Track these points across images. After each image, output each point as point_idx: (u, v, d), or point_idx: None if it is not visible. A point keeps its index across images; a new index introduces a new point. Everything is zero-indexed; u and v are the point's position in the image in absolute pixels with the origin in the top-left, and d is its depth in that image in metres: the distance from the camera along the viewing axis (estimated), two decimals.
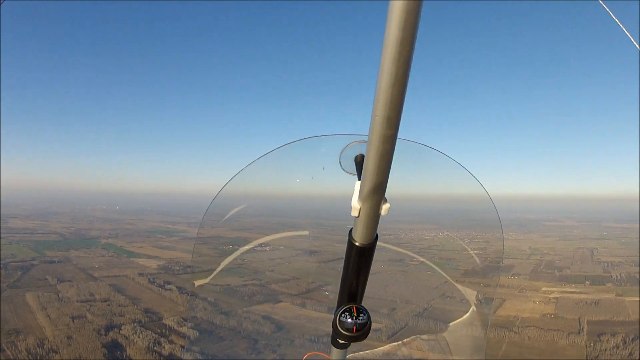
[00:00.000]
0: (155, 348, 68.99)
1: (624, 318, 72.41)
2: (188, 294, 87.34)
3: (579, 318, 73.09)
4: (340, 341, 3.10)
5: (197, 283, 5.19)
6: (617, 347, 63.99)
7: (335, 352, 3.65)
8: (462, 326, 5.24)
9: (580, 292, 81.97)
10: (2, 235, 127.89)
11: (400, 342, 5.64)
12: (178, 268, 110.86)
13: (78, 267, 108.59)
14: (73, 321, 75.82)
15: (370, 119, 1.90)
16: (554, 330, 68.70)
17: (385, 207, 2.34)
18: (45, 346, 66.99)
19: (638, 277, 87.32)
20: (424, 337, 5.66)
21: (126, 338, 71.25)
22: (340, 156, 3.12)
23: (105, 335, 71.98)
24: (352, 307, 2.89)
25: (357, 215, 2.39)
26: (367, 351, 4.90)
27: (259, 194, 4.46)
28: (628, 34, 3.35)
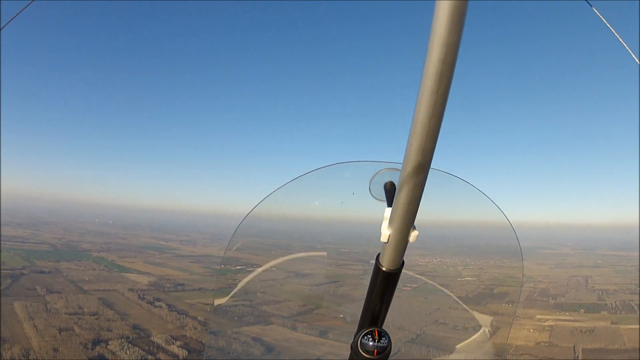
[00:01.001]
0: None
1: (620, 346, 71.77)
2: (178, 312, 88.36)
3: (574, 346, 72.80)
4: None
5: (217, 302, 5.26)
6: None
7: None
8: (475, 354, 5.17)
9: (575, 320, 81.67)
10: None
11: None
12: (169, 285, 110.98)
13: (68, 278, 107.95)
14: (60, 333, 74.94)
15: (406, 148, 1.99)
16: (549, 358, 68.63)
17: (413, 235, 2.41)
18: (30, 357, 66.27)
19: (637, 304, 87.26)
20: None
21: (113, 353, 70.47)
22: (370, 182, 3.19)
23: (92, 349, 71.17)
24: (374, 330, 2.94)
25: (386, 241, 2.46)
26: None
27: (288, 217, 4.46)
28: (623, 41, 3.63)
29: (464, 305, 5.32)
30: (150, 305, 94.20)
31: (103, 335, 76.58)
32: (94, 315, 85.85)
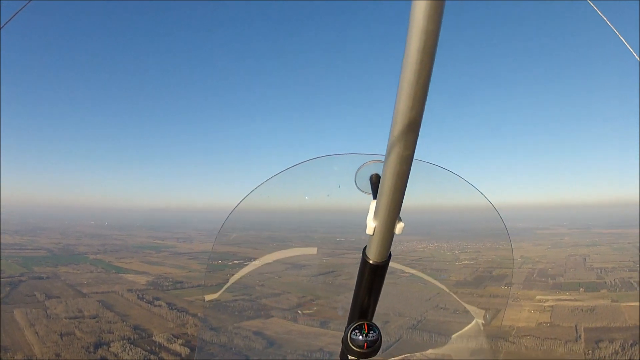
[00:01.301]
0: None
1: (621, 324, 71.85)
2: (178, 310, 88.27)
3: (576, 325, 72.70)
4: (350, 357, 3.12)
5: (208, 297, 5.28)
6: (616, 353, 63.45)
7: None
8: (469, 340, 5.22)
9: (575, 300, 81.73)
10: None
11: (402, 356, 5.40)
12: (167, 284, 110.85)
13: (66, 283, 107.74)
14: (62, 338, 74.61)
15: (388, 139, 1.99)
16: (551, 338, 68.15)
17: (399, 226, 2.40)
18: None
19: (636, 281, 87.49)
20: (429, 352, 5.53)
21: (115, 355, 70.35)
22: (355, 175, 3.20)
23: (94, 352, 70.99)
24: (364, 323, 2.97)
25: (371, 233, 2.45)
26: None
27: (275, 210, 4.50)
28: (622, 38, 3.57)
29: (453, 295, 5.39)
30: (149, 305, 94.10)
31: (104, 337, 76.39)
32: (94, 318, 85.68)
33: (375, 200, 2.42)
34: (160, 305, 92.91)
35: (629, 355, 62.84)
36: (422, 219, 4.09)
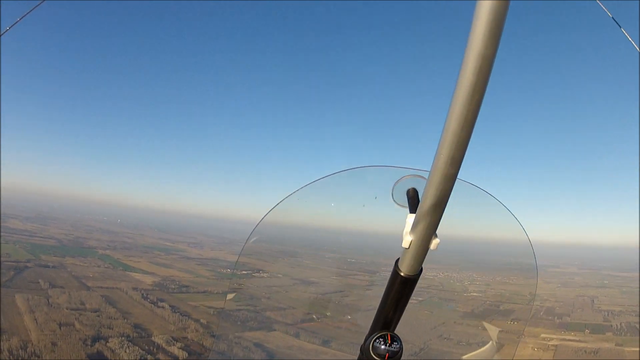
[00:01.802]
0: None
1: None
2: (180, 314, 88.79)
3: None
4: None
5: (229, 297, 5.30)
6: None
7: None
8: None
9: (580, 340, 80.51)
10: None
11: None
12: (173, 287, 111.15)
13: (72, 274, 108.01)
14: (60, 328, 74.80)
15: (435, 156, 2.00)
16: None
17: (435, 242, 2.42)
18: (28, 349, 65.87)
19: (638, 326, 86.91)
20: None
21: (112, 351, 70.08)
22: (392, 188, 3.24)
23: (91, 346, 70.80)
24: (387, 334, 2.93)
25: (407, 246, 2.46)
26: None
27: (307, 219, 4.49)
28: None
29: (471, 321, 5.55)
30: (153, 305, 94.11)
31: (103, 332, 76.33)
32: (96, 312, 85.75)
33: (412, 214, 2.48)
34: (163, 307, 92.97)
35: None
36: (453, 240, 3.69)
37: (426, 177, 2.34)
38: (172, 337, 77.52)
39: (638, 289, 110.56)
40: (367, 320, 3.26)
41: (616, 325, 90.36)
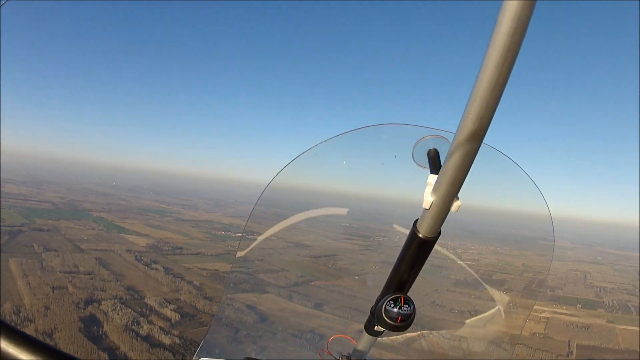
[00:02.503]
0: (133, 327, 68.01)
1: (614, 346, 71.66)
2: (174, 276, 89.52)
3: (569, 341, 72.41)
4: (376, 329, 3.11)
5: (239, 254, 4.78)
6: None
7: (366, 338, 3.53)
8: (484, 341, 5.00)
9: (571, 315, 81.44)
10: None
11: (417, 333, 5.17)
12: (167, 248, 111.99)
13: (66, 237, 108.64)
14: (53, 292, 75.08)
15: (463, 115, 1.89)
16: (543, 350, 67.81)
17: (456, 205, 2.28)
18: (21, 314, 66.21)
19: (634, 305, 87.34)
20: (443, 332, 5.30)
21: (105, 314, 70.44)
22: (414, 147, 3.04)
23: (84, 309, 71.02)
24: (400, 296, 2.82)
25: (428, 207, 2.33)
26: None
27: (322, 176, 4.32)
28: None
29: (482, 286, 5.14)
30: (146, 267, 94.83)
31: (96, 295, 76.83)
32: (89, 274, 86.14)
33: (434, 175, 2.35)
34: (157, 269, 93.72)
35: None
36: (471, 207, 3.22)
37: (449, 138, 2.44)
38: (165, 299, 78.18)
39: (631, 268, 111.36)
40: (361, 285, 3.65)
41: (608, 302, 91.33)
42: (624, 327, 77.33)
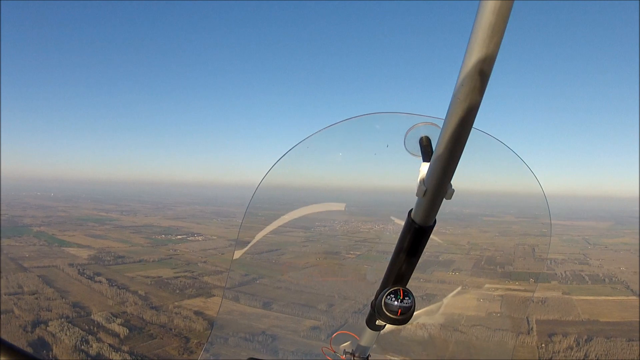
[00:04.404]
0: (82, 347, 66.53)
1: (574, 318, 72.37)
2: (118, 287, 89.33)
3: (527, 317, 71.86)
4: (377, 323, 3.17)
5: (236, 255, 4.69)
6: (571, 349, 63.46)
7: (368, 333, 3.69)
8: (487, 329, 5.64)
9: (526, 290, 79.88)
10: None
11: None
12: (109, 259, 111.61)
13: (8, 256, 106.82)
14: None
15: (450, 101, 1.92)
16: (503, 330, 67.45)
17: (450, 192, 2.35)
18: None
19: (587, 275, 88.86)
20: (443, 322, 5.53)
21: (53, 335, 68.56)
22: (405, 136, 3.00)
23: (32, 332, 69.12)
24: (399, 289, 2.89)
25: (422, 195, 2.38)
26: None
27: (316, 167, 4.15)
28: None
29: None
30: (90, 281, 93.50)
31: (43, 315, 74.81)
32: (34, 294, 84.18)
33: (426, 163, 2.40)
34: (100, 281, 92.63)
35: (584, 350, 62.82)
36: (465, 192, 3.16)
37: (440, 125, 2.26)
38: (112, 313, 76.88)
39: (579, 237, 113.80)
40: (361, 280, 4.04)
41: (560, 273, 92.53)
42: (581, 297, 78.58)
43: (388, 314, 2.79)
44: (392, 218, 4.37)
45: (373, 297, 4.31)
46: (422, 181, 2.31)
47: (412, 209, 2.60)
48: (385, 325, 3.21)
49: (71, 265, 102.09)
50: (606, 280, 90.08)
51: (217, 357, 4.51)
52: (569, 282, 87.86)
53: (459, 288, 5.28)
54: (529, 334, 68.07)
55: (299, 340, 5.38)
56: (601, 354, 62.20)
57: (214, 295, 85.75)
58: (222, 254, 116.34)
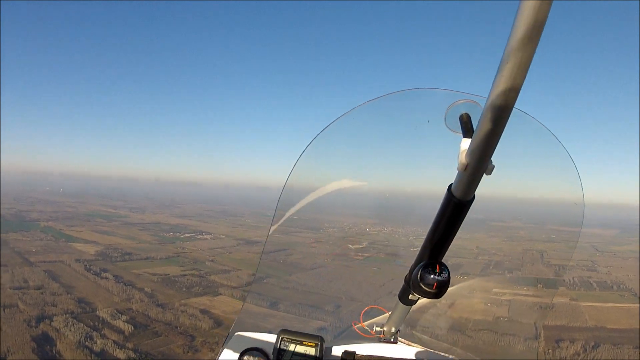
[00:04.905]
0: (86, 343, 66.00)
1: (581, 324, 71.88)
2: (124, 284, 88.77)
3: (535, 323, 71.34)
4: (410, 297, 3.27)
5: (272, 229, 4.39)
6: (578, 355, 63.31)
7: (398, 310, 3.76)
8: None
9: (534, 295, 79.79)
10: None
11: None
12: (116, 255, 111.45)
13: (15, 250, 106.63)
14: (4, 311, 72.66)
15: (495, 77, 1.87)
16: (510, 334, 67.17)
17: (490, 168, 2.29)
18: None
19: (595, 281, 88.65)
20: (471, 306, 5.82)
21: (57, 330, 68.27)
22: (446, 112, 2.87)
23: (36, 327, 68.70)
24: (436, 263, 2.81)
25: (463, 170, 2.30)
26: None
27: (356, 142, 4.20)
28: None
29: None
30: (96, 277, 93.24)
31: (47, 310, 74.58)
32: (39, 289, 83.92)
33: (466, 139, 2.34)
34: (107, 278, 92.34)
35: (592, 357, 62.54)
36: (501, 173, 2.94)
37: (480, 102, 2.46)
38: (117, 310, 76.42)
39: (587, 244, 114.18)
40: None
41: (569, 280, 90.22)
42: (589, 304, 77.95)
43: (424, 287, 2.72)
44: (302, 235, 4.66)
45: (381, 298, 4.71)
46: (464, 156, 2.23)
47: (451, 184, 2.52)
48: (417, 300, 3.32)
49: (78, 260, 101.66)
50: (614, 287, 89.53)
51: (249, 331, 4.29)
52: (576, 288, 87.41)
53: (467, 292, 5.29)
54: (536, 339, 67.79)
55: (329, 313, 5.51)
56: None
57: (221, 294, 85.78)
58: (230, 253, 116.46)
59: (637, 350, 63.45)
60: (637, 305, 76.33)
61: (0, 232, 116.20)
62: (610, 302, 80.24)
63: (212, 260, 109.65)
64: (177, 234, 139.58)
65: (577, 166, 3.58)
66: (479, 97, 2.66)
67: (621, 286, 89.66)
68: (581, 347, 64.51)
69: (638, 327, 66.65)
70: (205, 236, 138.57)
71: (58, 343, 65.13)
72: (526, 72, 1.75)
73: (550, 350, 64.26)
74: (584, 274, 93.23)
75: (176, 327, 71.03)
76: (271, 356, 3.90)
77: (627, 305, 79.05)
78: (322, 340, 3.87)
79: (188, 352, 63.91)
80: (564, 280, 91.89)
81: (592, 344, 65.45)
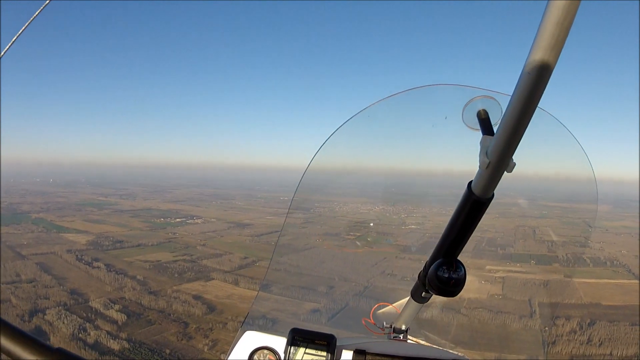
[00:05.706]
0: (80, 335, 66.03)
1: (577, 301, 71.24)
2: (116, 272, 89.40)
3: (529, 300, 71.45)
4: (423, 295, 3.37)
5: (288, 221, 4.55)
6: (574, 332, 63.05)
7: (409, 307, 3.84)
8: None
9: (527, 272, 79.67)
10: None
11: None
12: (107, 243, 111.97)
13: (6, 244, 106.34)
14: None
15: (521, 75, 1.93)
16: (505, 312, 67.19)
17: (511, 166, 2.34)
18: None
19: (589, 257, 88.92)
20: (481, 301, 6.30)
21: (50, 324, 68.32)
22: (464, 109, 2.95)
23: (29, 321, 68.66)
24: (452, 260, 2.86)
25: (485, 168, 2.38)
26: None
27: (374, 138, 4.26)
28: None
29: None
30: (88, 267, 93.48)
31: (40, 304, 74.61)
32: (32, 282, 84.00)
33: (486, 136, 2.44)
34: (98, 267, 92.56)
35: (588, 334, 62.65)
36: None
37: (496, 98, 2.59)
38: (110, 300, 76.70)
39: (579, 220, 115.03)
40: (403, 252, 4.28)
41: (562, 256, 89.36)
42: (583, 280, 77.19)
43: (439, 285, 2.75)
44: (295, 215, 4.56)
45: (374, 278, 4.81)
46: (486, 153, 2.28)
47: (471, 181, 2.56)
48: (430, 297, 3.37)
49: (69, 251, 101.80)
50: (607, 263, 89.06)
51: (258, 329, 4.09)
52: (570, 264, 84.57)
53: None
54: (531, 317, 67.93)
55: (299, 323, 4.65)
56: (605, 338, 62.14)
57: (213, 279, 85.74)
58: (221, 236, 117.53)
59: (633, 327, 63.68)
60: (632, 281, 76.80)
61: (0, 227, 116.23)
62: (605, 279, 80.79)
63: (204, 245, 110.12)
64: (168, 219, 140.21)
65: (593, 168, 3.58)
66: (493, 92, 2.67)
67: (615, 262, 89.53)
68: (577, 324, 64.46)
69: (633, 303, 67.03)
70: (196, 220, 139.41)
71: (52, 336, 64.82)
72: (551, 72, 1.77)
73: (546, 328, 64.16)
74: (577, 250, 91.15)
75: (169, 315, 71.15)
76: (282, 355, 3.82)
77: (621, 281, 79.73)
78: (333, 338, 3.76)
79: (182, 339, 63.85)
80: (557, 257, 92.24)
81: (588, 321, 65.60)
